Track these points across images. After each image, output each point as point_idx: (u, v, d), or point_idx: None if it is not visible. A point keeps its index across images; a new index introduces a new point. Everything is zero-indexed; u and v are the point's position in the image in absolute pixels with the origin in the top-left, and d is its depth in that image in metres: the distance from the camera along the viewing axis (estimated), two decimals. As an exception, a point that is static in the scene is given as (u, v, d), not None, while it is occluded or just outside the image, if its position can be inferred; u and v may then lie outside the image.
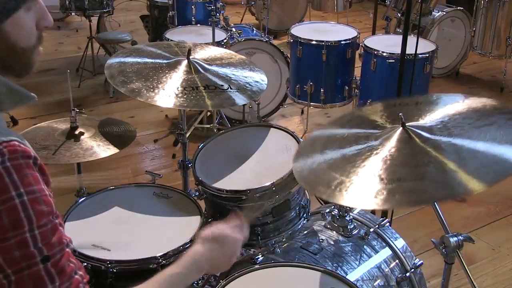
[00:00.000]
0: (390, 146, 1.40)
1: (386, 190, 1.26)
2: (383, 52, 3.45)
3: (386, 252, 1.96)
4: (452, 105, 1.55)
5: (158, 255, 1.68)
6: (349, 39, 3.65)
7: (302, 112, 4.38)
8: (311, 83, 3.68)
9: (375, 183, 1.30)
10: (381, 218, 2.07)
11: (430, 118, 1.50)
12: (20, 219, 0.97)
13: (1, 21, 1.04)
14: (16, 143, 1.00)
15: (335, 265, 1.84)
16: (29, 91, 1.13)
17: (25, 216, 0.97)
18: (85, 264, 1.69)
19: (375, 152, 1.40)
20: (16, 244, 0.97)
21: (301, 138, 2.05)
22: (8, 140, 0.99)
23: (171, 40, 3.56)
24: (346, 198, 1.30)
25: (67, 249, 1.06)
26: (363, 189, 1.30)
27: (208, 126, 3.89)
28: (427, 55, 3.46)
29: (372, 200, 1.26)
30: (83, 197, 2.01)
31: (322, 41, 3.59)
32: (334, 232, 1.98)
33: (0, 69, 1.08)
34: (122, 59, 2.16)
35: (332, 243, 1.94)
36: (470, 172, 1.24)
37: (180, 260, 1.28)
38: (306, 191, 2.00)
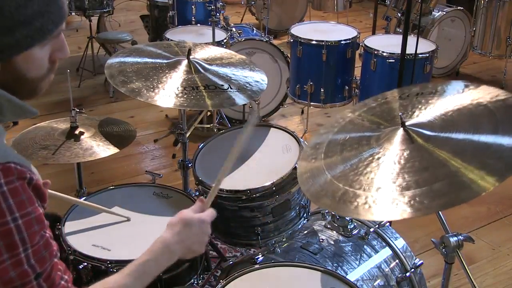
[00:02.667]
0: (392, 149, 1.38)
1: (390, 199, 1.25)
2: (383, 52, 3.46)
3: (386, 252, 1.96)
4: (453, 97, 1.53)
5: (158, 255, 1.67)
6: (349, 39, 3.65)
7: (302, 112, 4.38)
8: (311, 83, 3.68)
9: (379, 192, 1.28)
10: (381, 218, 2.07)
11: (430, 113, 1.48)
12: (14, 242, 0.99)
13: (11, 56, 1.04)
14: (12, 165, 1.00)
15: (335, 265, 1.84)
16: (31, 106, 1.12)
17: (20, 239, 0.99)
18: (85, 264, 1.69)
19: (377, 157, 1.39)
20: (12, 265, 0.99)
21: (301, 138, 2.05)
22: (4, 162, 1.00)
23: (171, 40, 3.56)
24: (350, 210, 1.29)
25: (55, 260, 1.07)
26: (367, 200, 1.29)
27: (208, 126, 3.89)
28: (427, 55, 3.46)
29: (377, 212, 1.25)
30: (83, 197, 2.02)
31: (322, 41, 3.59)
32: (334, 232, 1.98)
33: (5, 89, 1.08)
34: (122, 59, 2.16)
35: (332, 243, 1.94)
36: (476, 171, 1.21)
37: (150, 248, 1.29)
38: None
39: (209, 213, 1.39)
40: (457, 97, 1.53)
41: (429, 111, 1.49)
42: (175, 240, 1.30)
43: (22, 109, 1.11)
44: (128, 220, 1.87)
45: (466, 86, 1.56)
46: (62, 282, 1.08)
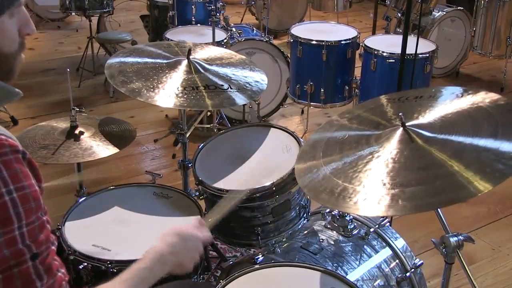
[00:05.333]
0: (391, 148, 1.39)
1: (389, 196, 1.25)
2: (383, 52, 3.45)
3: (386, 252, 1.96)
4: (452, 100, 1.54)
5: (158, 255, 1.67)
6: (349, 39, 3.65)
7: (302, 112, 4.38)
8: (311, 83, 3.68)
9: (378, 189, 1.29)
10: (381, 218, 2.07)
11: (430, 115, 1.49)
12: (9, 217, 0.97)
13: None
14: (3, 137, 0.99)
15: (335, 265, 1.84)
16: (14, 87, 1.12)
17: (15, 214, 0.97)
18: (85, 264, 1.68)
19: (376, 155, 1.39)
20: (6, 242, 0.97)
21: (301, 138, 2.05)
22: None
23: (171, 40, 3.56)
24: (350, 206, 1.30)
25: (52, 247, 1.06)
26: (366, 196, 1.29)
27: (208, 126, 3.89)
28: (427, 55, 3.46)
29: (376, 207, 1.25)
30: (83, 197, 2.01)
31: (322, 41, 3.59)
32: (334, 232, 1.98)
33: None
34: (122, 59, 2.16)
35: (332, 243, 1.94)
36: (474, 173, 1.22)
37: (143, 256, 1.27)
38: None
39: (206, 235, 1.39)
40: (457, 100, 1.54)
41: (429, 114, 1.50)
42: (168, 251, 1.28)
43: (5, 91, 1.10)
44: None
45: (465, 91, 1.57)
46: (59, 274, 1.06)
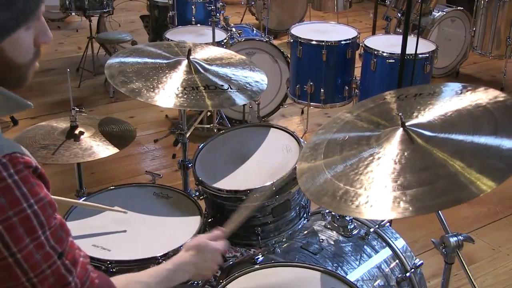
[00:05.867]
0: (391, 149, 1.39)
1: (391, 199, 1.25)
2: (383, 52, 3.46)
3: (386, 252, 1.96)
4: (451, 98, 1.54)
5: (158, 255, 1.67)
6: (349, 39, 3.65)
7: (302, 112, 4.38)
8: (311, 83, 3.68)
9: (380, 191, 1.28)
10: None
11: (430, 113, 1.48)
12: (33, 226, 1.02)
13: None
14: (18, 155, 1.03)
15: (335, 265, 1.84)
16: (25, 99, 1.13)
17: (38, 223, 1.02)
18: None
19: (377, 157, 1.39)
20: (35, 248, 1.02)
21: (301, 138, 2.05)
22: (10, 153, 1.02)
23: (171, 40, 3.56)
24: (352, 209, 1.29)
25: (70, 239, 1.11)
26: (368, 199, 1.29)
27: (208, 126, 3.89)
28: (427, 55, 3.46)
29: (378, 211, 1.25)
30: (83, 197, 2.01)
31: (322, 41, 3.59)
32: (334, 232, 1.98)
33: None
34: (122, 59, 2.16)
35: (332, 243, 1.94)
36: (476, 172, 1.22)
37: (170, 259, 1.41)
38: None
39: (223, 244, 1.50)
40: (456, 98, 1.53)
41: (428, 112, 1.50)
42: (190, 262, 1.41)
43: (16, 102, 1.11)
44: (125, 213, 1.88)
45: (464, 88, 1.57)
46: (81, 259, 1.12)
